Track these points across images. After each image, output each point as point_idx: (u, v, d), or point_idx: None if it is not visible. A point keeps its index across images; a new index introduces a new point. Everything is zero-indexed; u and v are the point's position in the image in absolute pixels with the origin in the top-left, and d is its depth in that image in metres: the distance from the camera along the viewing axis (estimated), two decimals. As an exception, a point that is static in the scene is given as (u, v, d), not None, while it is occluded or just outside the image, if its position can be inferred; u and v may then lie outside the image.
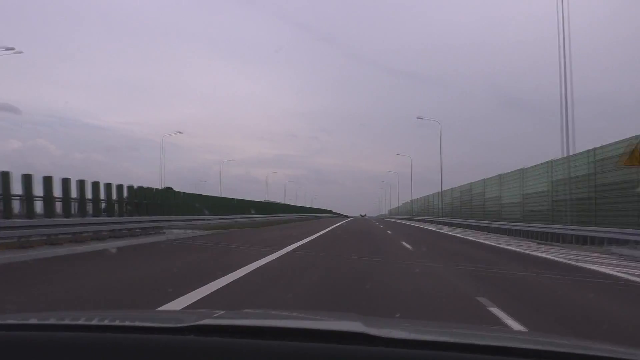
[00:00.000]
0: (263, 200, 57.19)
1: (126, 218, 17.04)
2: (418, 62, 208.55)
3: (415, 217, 61.37)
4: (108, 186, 16.69)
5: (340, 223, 45.19)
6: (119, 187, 17.45)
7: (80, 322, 1.40)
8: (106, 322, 1.43)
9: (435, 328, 1.77)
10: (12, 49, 24.40)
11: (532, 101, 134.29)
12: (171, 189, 31.36)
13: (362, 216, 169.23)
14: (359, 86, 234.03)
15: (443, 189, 46.04)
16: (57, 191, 13.87)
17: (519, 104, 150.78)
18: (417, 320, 3.68)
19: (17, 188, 12.55)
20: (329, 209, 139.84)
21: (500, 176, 29.70)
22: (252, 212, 36.39)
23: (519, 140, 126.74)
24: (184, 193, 26.80)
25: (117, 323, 1.43)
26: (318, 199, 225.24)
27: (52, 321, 1.41)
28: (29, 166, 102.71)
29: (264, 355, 1.08)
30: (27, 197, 12.90)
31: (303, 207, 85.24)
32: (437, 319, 5.07)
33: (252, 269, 8.61)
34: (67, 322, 1.39)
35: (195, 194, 28.84)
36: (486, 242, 19.75)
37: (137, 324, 1.40)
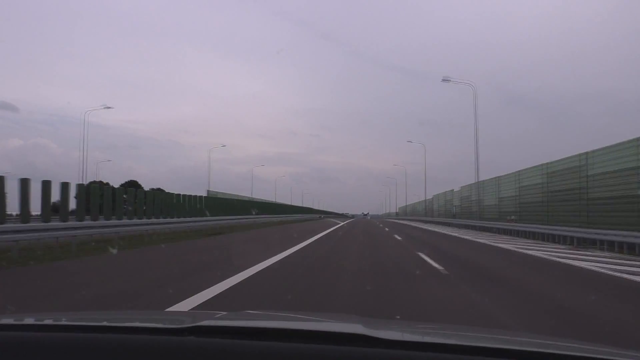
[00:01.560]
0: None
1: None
2: (420, 60, 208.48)
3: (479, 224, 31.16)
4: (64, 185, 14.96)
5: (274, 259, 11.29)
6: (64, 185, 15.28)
7: (80, 322, 1.38)
8: (106, 323, 1.41)
9: (436, 330, 1.75)
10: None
11: (536, 99, 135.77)
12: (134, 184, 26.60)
13: (365, 215, 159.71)
14: (360, 84, 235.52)
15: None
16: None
17: (523, 101, 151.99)
18: (418, 322, 3.62)
19: None
20: (309, 207, 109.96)
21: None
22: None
23: (523, 138, 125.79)
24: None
25: (117, 324, 1.40)
26: (320, 197, 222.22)
27: (51, 322, 1.41)
28: (29, 165, 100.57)
29: (264, 356, 1.08)
30: None
31: (267, 202, 61.17)
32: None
33: None
34: (66, 322, 1.39)
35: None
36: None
37: (137, 324, 1.39)
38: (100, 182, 47.13)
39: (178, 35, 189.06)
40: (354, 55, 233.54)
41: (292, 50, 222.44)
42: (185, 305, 5.88)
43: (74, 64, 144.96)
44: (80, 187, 17.65)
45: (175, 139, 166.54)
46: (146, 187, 58.52)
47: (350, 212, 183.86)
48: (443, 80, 34.41)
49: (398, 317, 4.99)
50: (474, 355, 1.09)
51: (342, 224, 47.36)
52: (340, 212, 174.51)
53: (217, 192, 42.61)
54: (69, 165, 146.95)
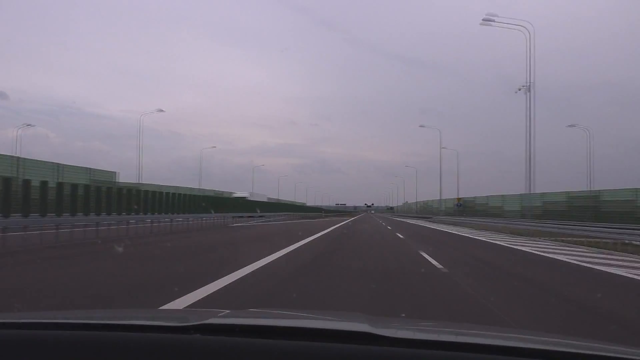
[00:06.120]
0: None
1: None
2: (423, 49, 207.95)
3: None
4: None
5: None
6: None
7: (85, 320, 1.39)
8: (111, 321, 1.42)
9: (441, 328, 1.76)
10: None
11: (540, 88, 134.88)
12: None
13: (368, 207, 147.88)
14: (360, 73, 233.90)
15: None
16: None
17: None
18: (423, 320, 3.59)
19: None
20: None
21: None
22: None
23: (525, 129, 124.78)
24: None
25: (122, 322, 1.41)
26: (321, 190, 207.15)
27: (56, 320, 1.40)
28: (27, 154, 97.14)
29: (269, 354, 1.08)
30: None
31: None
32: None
33: None
34: (71, 320, 1.39)
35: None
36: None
37: (142, 322, 1.40)
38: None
39: (176, 22, 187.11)
40: (354, 44, 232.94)
41: (291, 39, 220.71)
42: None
43: (71, 53, 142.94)
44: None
45: (176, 129, 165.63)
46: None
47: (351, 202, 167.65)
48: (483, 21, 25.35)
49: (403, 315, 5.14)
50: (479, 353, 1.10)
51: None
52: (337, 203, 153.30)
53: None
54: (67, 154, 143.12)
